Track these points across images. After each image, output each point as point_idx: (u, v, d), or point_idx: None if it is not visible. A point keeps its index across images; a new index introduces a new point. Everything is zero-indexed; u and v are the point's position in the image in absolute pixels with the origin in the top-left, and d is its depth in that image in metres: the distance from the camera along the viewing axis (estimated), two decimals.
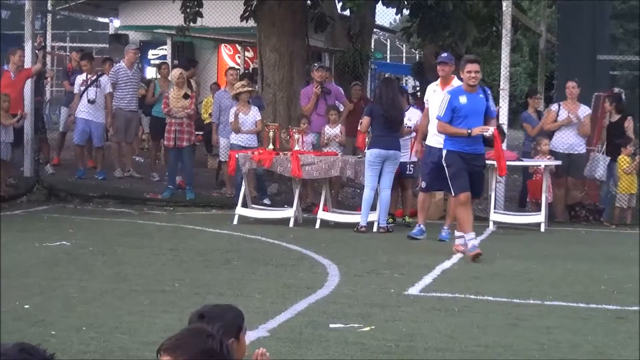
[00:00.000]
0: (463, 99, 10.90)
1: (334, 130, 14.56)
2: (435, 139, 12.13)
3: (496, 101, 14.16)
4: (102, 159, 17.40)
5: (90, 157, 17.98)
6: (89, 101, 16.79)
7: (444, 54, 13.02)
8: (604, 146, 14.79)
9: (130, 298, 8.02)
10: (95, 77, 17.02)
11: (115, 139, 17.46)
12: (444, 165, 11.06)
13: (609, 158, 14.49)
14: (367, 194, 12.83)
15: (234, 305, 3.87)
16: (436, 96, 12.37)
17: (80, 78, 17.17)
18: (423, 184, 12.59)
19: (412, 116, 13.52)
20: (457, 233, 11.21)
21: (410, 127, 13.41)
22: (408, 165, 13.48)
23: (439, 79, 12.55)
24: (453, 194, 11.07)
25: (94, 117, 16.90)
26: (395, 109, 12.83)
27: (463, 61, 11.05)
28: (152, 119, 17.85)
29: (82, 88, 16.93)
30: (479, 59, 11.34)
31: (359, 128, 13.29)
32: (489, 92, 11.26)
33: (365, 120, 12.97)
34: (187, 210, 14.57)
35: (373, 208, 12.86)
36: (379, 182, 12.76)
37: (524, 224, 13.60)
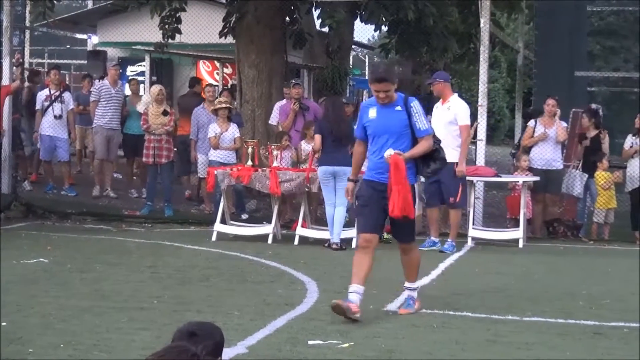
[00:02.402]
0: (372, 113, 8.37)
1: (310, 147, 14.55)
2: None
3: (474, 117, 14.18)
4: (68, 173, 17.32)
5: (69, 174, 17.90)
6: (55, 117, 16.72)
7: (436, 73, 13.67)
8: (580, 163, 14.86)
9: (109, 315, 7.97)
10: (58, 93, 16.94)
11: (98, 157, 17.30)
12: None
13: (586, 175, 14.55)
14: (330, 212, 12.85)
15: (214, 322, 3.86)
16: (436, 112, 12.87)
17: (43, 94, 17.06)
18: (424, 200, 13.22)
19: None
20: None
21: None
22: None
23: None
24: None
25: (58, 133, 16.83)
26: (344, 123, 12.91)
27: (368, 75, 8.63)
28: (125, 137, 17.59)
29: (46, 104, 16.85)
30: (388, 76, 8.24)
31: (311, 147, 13.33)
32: (413, 103, 8.31)
33: (317, 138, 12.99)
34: (165, 227, 14.53)
35: (351, 224, 12.87)
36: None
37: (502, 240, 13.63)
